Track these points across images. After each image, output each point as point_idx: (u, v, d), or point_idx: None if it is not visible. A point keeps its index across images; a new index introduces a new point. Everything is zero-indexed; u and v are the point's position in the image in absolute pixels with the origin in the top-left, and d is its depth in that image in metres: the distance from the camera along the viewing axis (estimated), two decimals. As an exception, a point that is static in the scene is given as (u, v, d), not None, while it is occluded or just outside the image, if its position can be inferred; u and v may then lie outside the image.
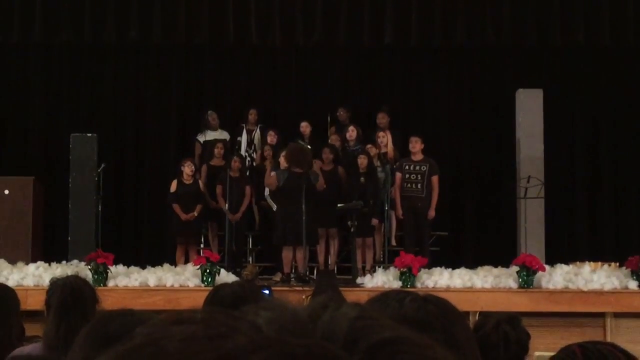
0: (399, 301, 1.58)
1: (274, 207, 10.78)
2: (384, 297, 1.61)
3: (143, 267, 9.60)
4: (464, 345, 1.53)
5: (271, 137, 11.55)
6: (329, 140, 11.56)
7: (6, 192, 10.47)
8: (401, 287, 8.91)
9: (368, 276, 9.71)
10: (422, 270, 9.42)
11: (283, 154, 10.44)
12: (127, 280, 9.18)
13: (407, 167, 10.70)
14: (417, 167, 10.68)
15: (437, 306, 1.58)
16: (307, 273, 10.30)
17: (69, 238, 10.66)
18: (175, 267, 9.84)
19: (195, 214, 10.78)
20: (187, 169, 10.86)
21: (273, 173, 10.42)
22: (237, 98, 13.05)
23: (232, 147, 11.62)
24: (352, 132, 11.44)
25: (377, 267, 10.24)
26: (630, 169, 13.04)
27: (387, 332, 0.61)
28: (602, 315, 9.05)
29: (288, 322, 0.60)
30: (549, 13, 12.28)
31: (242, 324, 0.60)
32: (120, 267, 9.45)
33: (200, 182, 11.01)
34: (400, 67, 13.39)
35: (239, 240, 11.01)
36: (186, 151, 12.03)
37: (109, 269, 9.15)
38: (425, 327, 1.48)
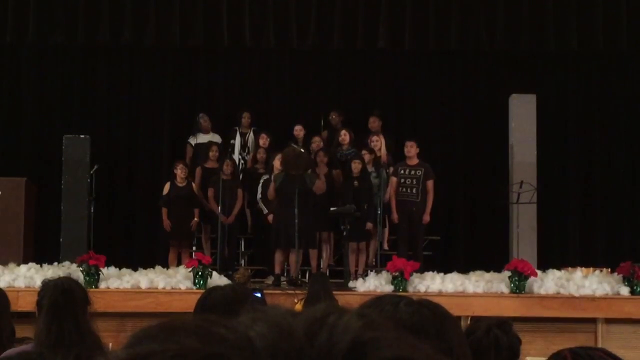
0: (394, 305, 1.58)
1: (265, 211, 10.78)
2: (378, 301, 1.61)
3: (135, 269, 9.57)
4: (457, 349, 1.53)
5: (263, 140, 11.52)
6: (311, 143, 11.50)
7: (-2, 192, 10.44)
8: (393, 291, 8.90)
9: (360, 280, 9.69)
10: (414, 274, 9.42)
11: (278, 157, 10.43)
12: (118, 282, 9.14)
13: (402, 172, 10.69)
14: (413, 172, 10.68)
15: (431, 311, 1.58)
16: (300, 276, 10.29)
17: (61, 239, 10.63)
18: (167, 269, 9.81)
19: (197, 219, 10.77)
20: (180, 171, 10.83)
21: (268, 180, 10.44)
22: (231, 101, 13.03)
23: (224, 149, 11.60)
24: (344, 136, 11.43)
25: (369, 271, 10.22)
26: (623, 175, 13.07)
27: (388, 352, 0.59)
28: (593, 321, 9.06)
29: (283, 343, 0.59)
30: (543, 18, 12.30)
31: (233, 343, 0.58)
32: (112, 269, 9.41)
33: (193, 184, 10.99)
34: (394, 71, 13.39)
35: (232, 243, 11.00)
36: (179, 153, 12.00)
37: (100, 270, 9.12)
38: (419, 332, 1.48)
